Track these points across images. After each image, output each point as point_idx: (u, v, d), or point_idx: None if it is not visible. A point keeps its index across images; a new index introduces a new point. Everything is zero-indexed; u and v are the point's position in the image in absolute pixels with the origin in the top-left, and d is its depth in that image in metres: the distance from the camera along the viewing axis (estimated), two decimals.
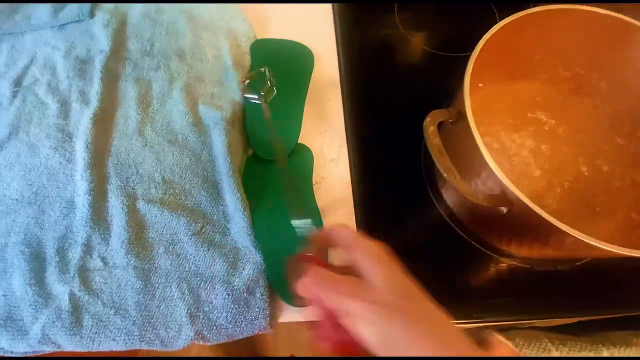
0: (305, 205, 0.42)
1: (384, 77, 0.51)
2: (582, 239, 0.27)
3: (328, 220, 0.43)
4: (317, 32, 0.55)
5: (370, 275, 0.24)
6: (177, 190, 0.43)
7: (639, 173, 0.41)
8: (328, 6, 0.57)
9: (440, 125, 0.34)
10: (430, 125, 0.31)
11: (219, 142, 0.45)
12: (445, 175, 0.29)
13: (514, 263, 0.42)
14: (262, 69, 0.47)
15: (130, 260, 0.40)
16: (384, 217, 0.44)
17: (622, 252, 0.27)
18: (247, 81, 0.47)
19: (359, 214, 0.43)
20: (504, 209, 0.32)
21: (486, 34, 0.35)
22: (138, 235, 0.41)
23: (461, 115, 0.32)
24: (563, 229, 0.28)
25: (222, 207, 0.43)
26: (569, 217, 0.39)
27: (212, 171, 0.45)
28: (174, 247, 0.41)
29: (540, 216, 0.28)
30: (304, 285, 0.25)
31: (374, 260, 0.24)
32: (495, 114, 0.42)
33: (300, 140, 0.47)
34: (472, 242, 0.42)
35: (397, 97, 0.50)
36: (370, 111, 0.49)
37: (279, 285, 0.39)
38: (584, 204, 0.39)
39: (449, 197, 0.42)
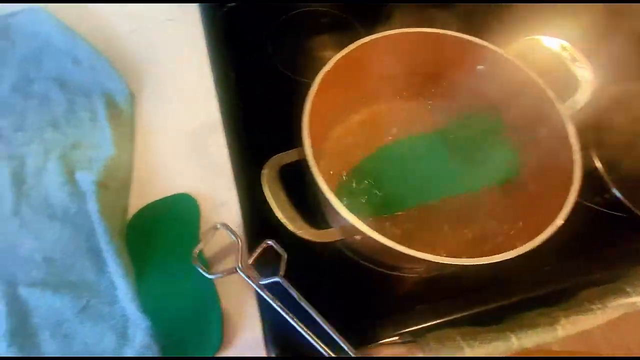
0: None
1: (264, 114, 0.52)
2: (416, 255, 0.29)
3: (220, 267, 0.43)
4: (194, 77, 0.55)
5: None
6: (59, 268, 0.42)
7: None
8: (202, 48, 0.57)
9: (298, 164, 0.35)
10: (265, 173, 0.31)
11: (92, 207, 0.44)
12: (283, 221, 0.30)
13: (403, 275, 0.43)
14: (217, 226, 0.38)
15: (13, 352, 0.38)
16: (277, 254, 0.44)
17: (454, 262, 0.29)
18: (198, 251, 0.37)
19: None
20: (358, 237, 0.33)
21: (323, 68, 0.37)
22: (21, 324, 0.39)
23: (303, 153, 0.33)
24: (399, 250, 0.29)
25: (108, 275, 0.42)
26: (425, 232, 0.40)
27: (95, 239, 0.44)
28: (60, 329, 0.40)
29: (378, 241, 0.29)
30: None
31: None
32: (345, 147, 0.43)
33: (185, 190, 0.47)
34: (362, 262, 0.43)
35: (279, 133, 0.50)
36: (255, 150, 0.49)
37: (169, 350, 0.39)
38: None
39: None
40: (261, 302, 0.41)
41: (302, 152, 0.34)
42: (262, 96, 0.53)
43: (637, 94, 0.49)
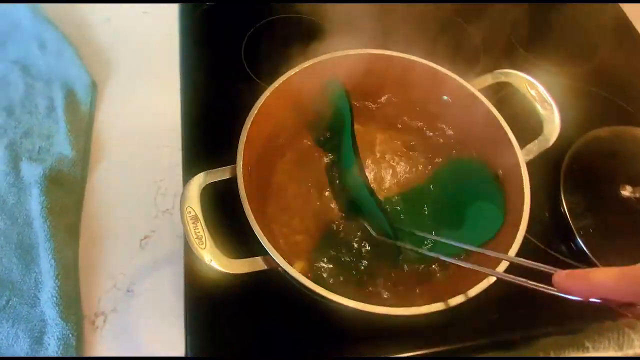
0: None
1: (226, 120, 0.49)
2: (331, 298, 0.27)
3: (154, 279, 0.41)
4: (161, 73, 0.53)
5: None
6: None
7: None
8: (175, 44, 0.55)
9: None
10: (184, 192, 0.29)
11: (36, 202, 0.42)
12: (194, 248, 0.28)
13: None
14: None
15: None
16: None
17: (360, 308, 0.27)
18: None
19: (189, 270, 0.41)
20: (280, 269, 0.30)
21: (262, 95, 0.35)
22: None
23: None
24: (316, 291, 0.27)
25: (34, 275, 0.40)
26: None
27: (28, 234, 0.42)
28: None
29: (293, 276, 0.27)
30: None
31: None
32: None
33: (130, 192, 0.45)
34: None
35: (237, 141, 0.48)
36: (211, 156, 0.47)
37: None
38: None
39: None
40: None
41: (235, 171, 0.32)
42: (228, 101, 0.51)
43: (606, 138, 0.46)
